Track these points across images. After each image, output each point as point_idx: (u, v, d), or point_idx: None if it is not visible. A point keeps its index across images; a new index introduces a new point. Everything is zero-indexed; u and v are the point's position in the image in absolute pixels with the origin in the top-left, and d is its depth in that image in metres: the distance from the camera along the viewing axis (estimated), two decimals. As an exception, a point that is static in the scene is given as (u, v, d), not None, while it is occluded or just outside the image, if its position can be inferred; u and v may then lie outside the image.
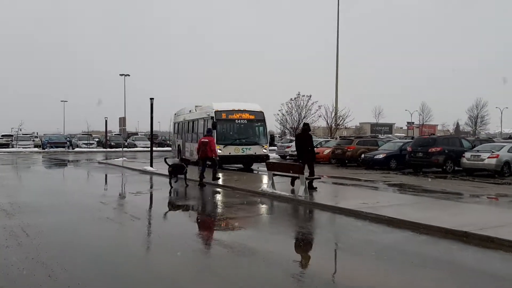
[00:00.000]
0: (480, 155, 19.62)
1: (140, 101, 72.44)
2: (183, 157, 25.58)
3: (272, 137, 23.21)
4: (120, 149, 47.32)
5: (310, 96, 39.38)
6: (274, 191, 12.57)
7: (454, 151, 21.14)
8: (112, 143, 49.33)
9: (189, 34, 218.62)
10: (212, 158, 15.18)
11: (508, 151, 19.80)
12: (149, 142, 51.87)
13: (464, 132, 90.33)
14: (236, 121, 21.19)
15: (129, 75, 71.05)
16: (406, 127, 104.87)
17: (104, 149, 48.22)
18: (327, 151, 28.14)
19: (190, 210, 11.15)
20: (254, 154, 21.04)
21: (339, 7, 37.28)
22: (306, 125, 13.91)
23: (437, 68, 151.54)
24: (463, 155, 20.22)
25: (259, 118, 21.51)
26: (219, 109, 20.87)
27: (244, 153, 20.73)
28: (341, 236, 8.08)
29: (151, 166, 21.46)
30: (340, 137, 33.49)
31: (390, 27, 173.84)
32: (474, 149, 20.84)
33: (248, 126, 21.59)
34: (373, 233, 8.04)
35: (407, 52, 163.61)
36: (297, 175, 12.17)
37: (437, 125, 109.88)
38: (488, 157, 19.29)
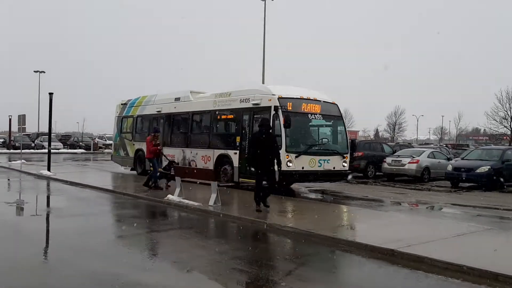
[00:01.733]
0: (401, 160, 19.41)
1: (58, 100, 67.09)
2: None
3: (354, 144, 15.02)
4: (27, 150, 43.32)
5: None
6: (182, 200, 10.91)
7: (376, 156, 20.86)
8: (17, 144, 44.57)
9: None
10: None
11: (427, 157, 19.82)
12: (59, 144, 48.66)
13: (383, 138, 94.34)
14: (309, 116, 13.25)
15: (44, 72, 66.03)
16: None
17: (8, 151, 43.46)
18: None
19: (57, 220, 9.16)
20: (332, 169, 13.17)
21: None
22: (267, 123, 10.10)
23: (361, 72, 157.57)
24: (385, 160, 19.93)
25: (335, 113, 13.91)
26: (284, 96, 12.76)
27: (321, 168, 12.85)
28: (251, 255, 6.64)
29: (49, 170, 18.81)
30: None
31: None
32: (395, 154, 20.67)
33: (324, 126, 14.15)
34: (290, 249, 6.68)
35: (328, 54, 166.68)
36: (207, 181, 10.64)
37: (358, 131, 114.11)
38: (409, 162, 19.13)
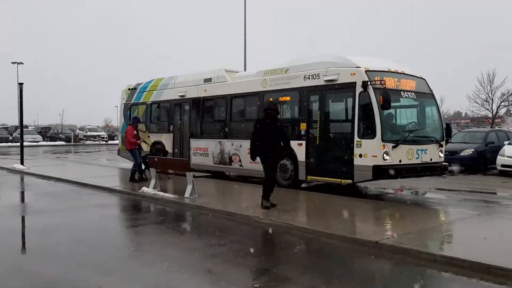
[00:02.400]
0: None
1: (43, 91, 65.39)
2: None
3: (449, 128, 11.45)
4: (4, 144, 42.08)
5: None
6: (157, 192, 10.38)
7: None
8: (-7, 138, 43.31)
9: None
10: None
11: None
12: (38, 136, 47.42)
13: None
14: (402, 95, 10.43)
15: (22, 63, 64.14)
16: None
17: (-17, 145, 42.14)
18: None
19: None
20: (430, 161, 10.46)
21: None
22: (274, 107, 8.84)
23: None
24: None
25: (426, 90, 11.05)
26: (371, 69, 10.04)
27: (418, 160, 10.14)
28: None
29: (22, 163, 18.03)
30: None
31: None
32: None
33: (417, 106, 11.11)
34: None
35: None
36: (182, 172, 10.10)
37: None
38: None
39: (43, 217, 8.61)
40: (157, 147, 15.30)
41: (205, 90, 13.98)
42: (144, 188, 10.77)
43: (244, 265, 5.50)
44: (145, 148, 14.18)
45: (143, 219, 8.66)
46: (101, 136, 48.63)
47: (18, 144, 41.26)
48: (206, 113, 14.34)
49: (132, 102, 17.20)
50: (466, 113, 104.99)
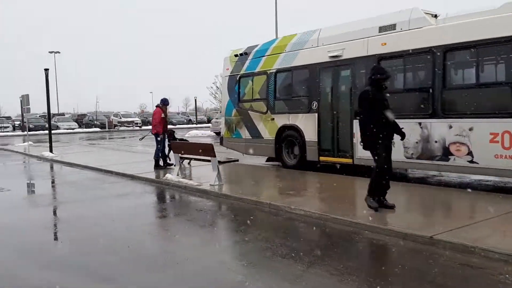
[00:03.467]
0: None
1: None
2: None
3: None
4: (41, 131, 42.89)
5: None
6: (181, 180, 9.71)
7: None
8: (31, 126, 44.22)
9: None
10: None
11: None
12: (74, 123, 48.15)
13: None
14: None
15: (59, 52, 65.50)
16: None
17: (22, 133, 43.13)
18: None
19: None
20: None
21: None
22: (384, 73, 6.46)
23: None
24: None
25: None
26: None
27: None
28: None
29: (51, 151, 17.87)
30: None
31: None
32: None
33: None
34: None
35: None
36: (208, 158, 9.37)
37: None
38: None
39: (59, 208, 8.12)
40: (288, 133, 11.11)
41: (384, 44, 9.28)
42: (168, 175, 10.13)
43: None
44: (268, 135, 11.57)
45: (161, 210, 8.01)
46: (135, 122, 48.83)
47: (54, 131, 42.42)
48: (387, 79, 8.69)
49: (242, 72, 12.69)
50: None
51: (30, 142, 23.93)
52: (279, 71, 11.52)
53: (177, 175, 10.15)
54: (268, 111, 11.67)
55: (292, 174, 10.20)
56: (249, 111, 12.31)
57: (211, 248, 5.32)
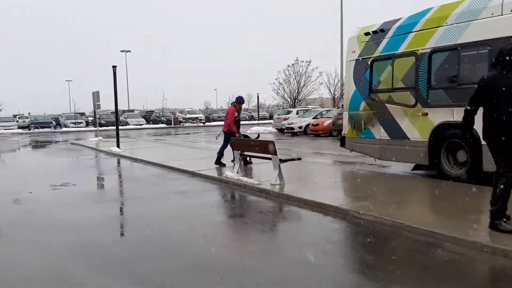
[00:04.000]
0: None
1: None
2: None
3: None
4: (112, 127, 44.85)
5: (310, 62, 35.51)
6: (240, 178, 9.37)
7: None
8: (102, 121, 46.39)
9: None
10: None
11: None
12: (142, 120, 49.87)
13: None
14: None
15: (130, 51, 68.61)
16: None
17: (94, 128, 45.39)
18: (327, 122, 24.77)
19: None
20: None
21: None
22: None
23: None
24: None
25: None
26: None
27: None
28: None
29: (118, 146, 18.36)
30: (342, 105, 29.97)
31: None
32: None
33: None
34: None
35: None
36: (269, 155, 8.94)
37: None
38: None
39: (115, 207, 8.07)
40: (450, 133, 8.47)
41: None
42: (228, 173, 9.84)
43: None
44: (417, 134, 8.97)
45: (220, 207, 7.68)
46: (199, 118, 49.69)
47: (123, 127, 44.19)
48: None
49: (376, 55, 10.13)
50: None
51: (100, 137, 24.88)
52: (436, 50, 8.79)
53: (237, 172, 9.83)
54: (418, 103, 9.01)
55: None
56: (386, 104, 9.68)
57: (273, 258, 4.87)
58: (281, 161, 8.78)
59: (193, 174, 10.87)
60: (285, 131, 28.26)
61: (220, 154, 11.64)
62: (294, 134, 27.24)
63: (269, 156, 8.87)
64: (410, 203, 6.94)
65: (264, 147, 8.95)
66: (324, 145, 19.12)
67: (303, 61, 35.63)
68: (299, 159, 9.29)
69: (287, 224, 6.45)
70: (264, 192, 8.27)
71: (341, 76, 35.98)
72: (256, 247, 5.29)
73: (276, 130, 30.58)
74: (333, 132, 23.80)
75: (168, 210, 7.40)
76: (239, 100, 11.69)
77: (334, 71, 36.45)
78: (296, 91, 35.75)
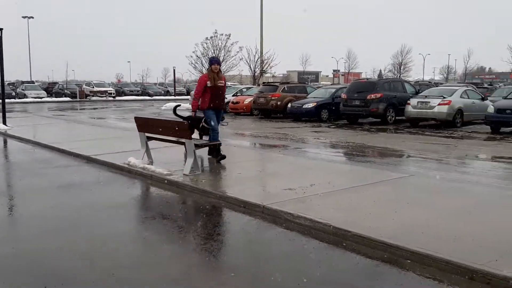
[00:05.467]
0: (429, 102, 15.93)
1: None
2: None
3: None
4: (7, 100, 39.77)
5: (229, 36, 33.73)
6: (146, 166, 7.66)
7: (397, 97, 17.38)
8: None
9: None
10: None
11: (460, 96, 16.35)
12: (42, 92, 44.84)
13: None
14: None
15: (32, 17, 61.57)
16: (332, 75, 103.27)
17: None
18: (248, 100, 23.41)
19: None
20: None
21: None
22: None
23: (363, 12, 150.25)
24: (409, 102, 16.46)
25: None
26: None
27: None
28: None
29: (4, 123, 15.47)
30: (263, 83, 28.74)
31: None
32: (421, 94, 17.15)
33: None
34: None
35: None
36: (182, 139, 7.31)
37: (361, 72, 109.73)
38: (439, 104, 15.67)
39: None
40: None
41: None
42: (132, 160, 8.05)
43: None
44: None
45: (110, 206, 5.95)
46: (109, 92, 45.87)
47: (22, 100, 39.41)
48: None
49: None
50: (489, 68, 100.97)
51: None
52: None
53: (142, 159, 8.09)
54: None
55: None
56: None
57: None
58: (197, 146, 7.19)
59: (88, 159, 8.90)
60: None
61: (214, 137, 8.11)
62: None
63: (182, 140, 7.25)
64: (363, 200, 5.77)
65: (175, 129, 7.30)
66: (245, 125, 17.78)
67: (222, 34, 33.73)
68: (219, 144, 7.75)
69: (201, 235, 4.93)
70: (174, 185, 6.68)
71: (261, 53, 34.88)
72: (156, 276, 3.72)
73: (194, 108, 28.68)
74: (254, 111, 22.57)
75: (38, 215, 5.47)
76: (212, 61, 8.27)
77: (254, 47, 34.70)
78: (215, 65, 33.87)
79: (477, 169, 7.84)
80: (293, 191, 5.90)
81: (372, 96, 16.96)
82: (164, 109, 28.91)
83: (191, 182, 6.59)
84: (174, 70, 50.00)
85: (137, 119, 8.36)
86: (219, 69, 8.28)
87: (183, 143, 7.27)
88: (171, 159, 8.29)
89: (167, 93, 51.78)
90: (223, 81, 8.20)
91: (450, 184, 6.43)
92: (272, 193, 5.88)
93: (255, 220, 5.05)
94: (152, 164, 7.86)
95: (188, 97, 32.84)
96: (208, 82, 7.91)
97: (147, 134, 8.20)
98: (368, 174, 7.20)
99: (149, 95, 49.25)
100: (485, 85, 32.40)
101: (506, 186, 6.45)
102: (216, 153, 8.16)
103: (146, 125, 8.21)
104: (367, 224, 4.49)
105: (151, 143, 8.28)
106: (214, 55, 33.52)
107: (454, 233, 4.24)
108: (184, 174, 7.00)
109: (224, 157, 8.03)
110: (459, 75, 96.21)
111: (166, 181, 6.86)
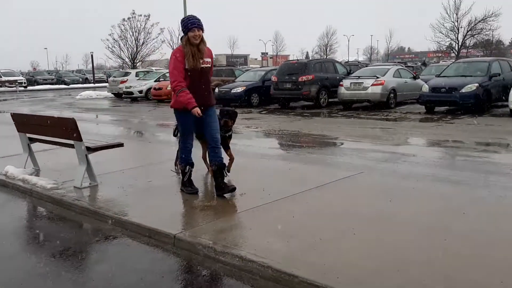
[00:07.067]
0: (363, 83, 15.15)
1: None
2: None
3: None
4: None
5: (149, 16, 31.22)
6: (27, 177, 5.85)
7: (329, 79, 16.47)
8: None
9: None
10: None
11: (393, 76, 15.74)
12: None
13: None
14: None
15: None
16: (260, 58, 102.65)
17: None
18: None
19: None
20: None
21: None
22: None
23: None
24: (341, 83, 15.60)
25: None
26: None
27: None
28: None
29: None
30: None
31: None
32: (353, 75, 16.36)
33: None
34: None
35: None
36: (70, 141, 5.58)
37: (289, 55, 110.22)
38: (372, 85, 14.93)
39: None
40: None
41: None
42: (10, 169, 6.19)
43: None
44: None
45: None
46: (19, 81, 41.39)
47: None
48: None
49: None
50: (409, 48, 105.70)
51: None
52: None
53: (24, 167, 6.25)
54: None
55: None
56: None
57: None
58: (90, 149, 5.50)
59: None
60: (123, 96, 24.21)
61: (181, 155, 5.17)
62: (134, 99, 23.45)
63: (71, 142, 5.53)
64: (309, 216, 4.44)
65: (61, 129, 5.54)
66: (168, 114, 15.97)
67: (140, 15, 31.14)
68: (120, 145, 6.01)
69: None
70: (58, 203, 4.99)
71: (186, 34, 32.73)
72: None
73: (113, 95, 26.21)
74: (178, 97, 20.77)
75: None
76: (188, 23, 4.70)
77: (177, 29, 32.54)
78: (135, 49, 31.32)
79: (428, 158, 6.88)
80: (217, 207, 4.48)
81: (304, 78, 15.91)
82: (79, 98, 26.15)
83: (80, 199, 4.94)
84: (92, 55, 46.10)
85: (14, 116, 6.42)
86: (203, 38, 4.75)
87: (71, 146, 5.54)
88: (67, 164, 6.44)
89: (86, 80, 47.90)
90: (210, 59, 4.90)
91: (408, 183, 5.33)
92: (188, 213, 4.43)
93: (163, 259, 3.57)
94: (37, 174, 6.07)
95: (106, 84, 30.02)
96: (186, 62, 4.67)
97: (29, 135, 6.36)
98: (310, 173, 5.93)
99: (66, 84, 45.23)
100: (409, 64, 33.08)
101: (468, 179, 5.48)
102: (217, 183, 4.93)
103: (27, 124, 6.33)
104: (320, 259, 3.18)
105: (41, 145, 6.45)
106: (133, 37, 30.97)
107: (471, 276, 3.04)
108: (75, 187, 5.33)
109: (232, 189, 4.89)
110: (381, 56, 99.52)
111: (50, 199, 5.15)
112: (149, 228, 3.97)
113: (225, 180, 4.93)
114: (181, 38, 4.79)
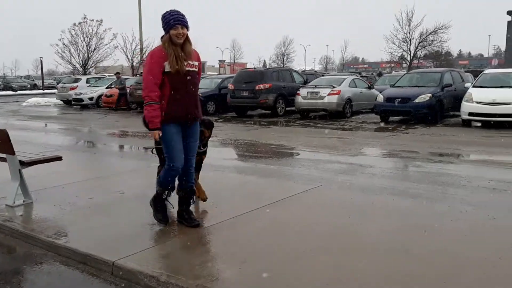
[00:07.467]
0: (319, 92, 15.14)
1: None
2: None
3: None
4: None
5: (101, 21, 30.18)
6: (-50, 195, 5.21)
7: (286, 87, 16.38)
8: None
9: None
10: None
11: (349, 86, 15.85)
12: None
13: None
14: None
15: None
16: (218, 65, 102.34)
17: None
18: (123, 93, 20.74)
19: None
20: None
21: None
22: None
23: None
24: (298, 92, 15.53)
25: None
26: None
27: None
28: None
29: None
30: (139, 74, 26.06)
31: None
32: (310, 84, 16.34)
33: None
34: None
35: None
36: (2, 155, 5.01)
37: (247, 63, 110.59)
38: (329, 94, 14.95)
39: None
40: None
41: None
42: None
43: None
44: None
45: None
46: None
47: None
48: None
49: None
50: (362, 58, 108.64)
51: None
52: None
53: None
54: None
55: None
56: None
57: None
58: (24, 164, 4.95)
59: None
60: (73, 103, 23.14)
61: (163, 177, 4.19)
62: (85, 107, 22.47)
63: (3, 155, 4.97)
64: (265, 241, 4.12)
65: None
66: (119, 122, 15.37)
67: (92, 20, 30.03)
68: (58, 158, 5.43)
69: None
70: (-12, 226, 4.43)
71: (141, 40, 31.95)
72: None
73: (62, 102, 25.03)
74: (131, 104, 20.07)
75: None
76: (170, 19, 3.94)
77: (131, 35, 31.70)
78: (86, 55, 30.13)
79: (385, 169, 6.78)
80: (166, 227, 4.10)
81: (261, 86, 15.72)
82: (26, 105, 24.80)
83: (12, 219, 4.41)
84: (41, 60, 44.24)
85: None
86: (188, 37, 4.00)
87: (4, 159, 4.98)
88: (4, 179, 5.83)
89: (34, 86, 45.85)
90: (197, 63, 4.11)
91: (367, 198, 5.14)
92: (133, 234, 4.00)
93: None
94: (-37, 191, 5.43)
95: (55, 90, 28.64)
96: (166, 65, 3.87)
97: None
98: (266, 187, 5.65)
99: (13, 90, 43.02)
100: (363, 74, 33.79)
101: (427, 192, 5.36)
102: (186, 212, 4.26)
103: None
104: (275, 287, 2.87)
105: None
106: (85, 43, 29.80)
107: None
108: (6, 206, 4.78)
109: (195, 225, 4.16)
110: (336, 65, 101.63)
111: (-26, 219, 4.57)
112: (85, 254, 3.52)
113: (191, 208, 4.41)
114: (161, 37, 4.01)
